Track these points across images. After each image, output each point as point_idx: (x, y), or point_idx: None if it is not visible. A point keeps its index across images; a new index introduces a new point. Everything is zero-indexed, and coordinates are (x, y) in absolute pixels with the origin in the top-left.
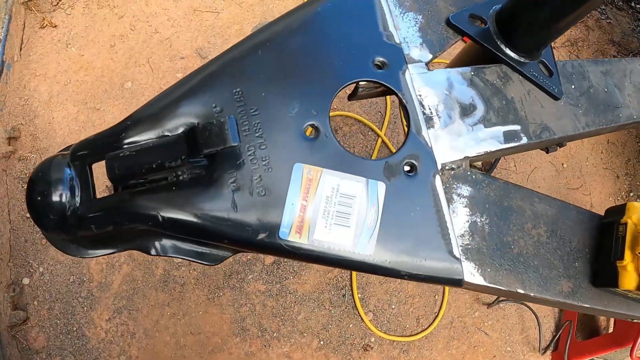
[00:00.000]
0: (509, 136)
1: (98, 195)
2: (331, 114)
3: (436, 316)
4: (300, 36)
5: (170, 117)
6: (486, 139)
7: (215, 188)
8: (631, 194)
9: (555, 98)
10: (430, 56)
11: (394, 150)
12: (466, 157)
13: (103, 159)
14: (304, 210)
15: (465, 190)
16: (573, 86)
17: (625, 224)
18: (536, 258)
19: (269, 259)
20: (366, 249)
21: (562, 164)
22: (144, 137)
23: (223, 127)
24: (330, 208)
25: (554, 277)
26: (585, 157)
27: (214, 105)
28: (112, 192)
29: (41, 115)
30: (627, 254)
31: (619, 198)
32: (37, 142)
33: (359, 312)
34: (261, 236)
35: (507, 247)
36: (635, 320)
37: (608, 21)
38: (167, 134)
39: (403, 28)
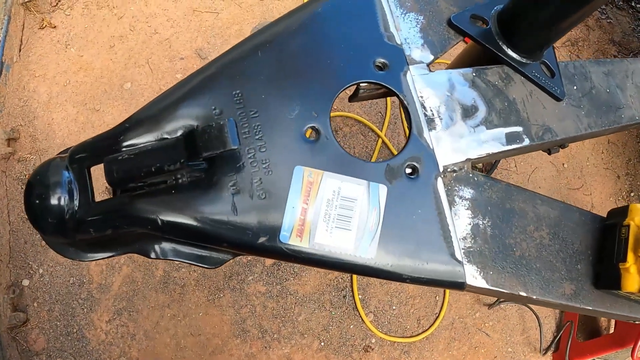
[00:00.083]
0: (511, 138)
1: (96, 198)
2: (331, 114)
3: (437, 317)
4: (300, 37)
5: (169, 119)
6: (488, 141)
7: (215, 191)
8: (632, 194)
9: (558, 99)
10: (432, 57)
11: (394, 151)
12: (468, 159)
13: (102, 161)
14: (304, 213)
15: (467, 192)
16: (575, 87)
17: (628, 226)
18: (538, 260)
19: (270, 260)
20: (368, 253)
21: (563, 164)
22: (143, 139)
23: (223, 130)
24: (332, 211)
25: (556, 279)
26: (586, 157)
27: (213, 107)
28: (111, 194)
29: (40, 116)
30: (630, 256)
31: (619, 198)
32: (37, 144)
33: (359, 313)
34: (262, 240)
35: (510, 250)
36: (637, 322)
37: (608, 21)
38: (166, 136)
39: (404, 29)
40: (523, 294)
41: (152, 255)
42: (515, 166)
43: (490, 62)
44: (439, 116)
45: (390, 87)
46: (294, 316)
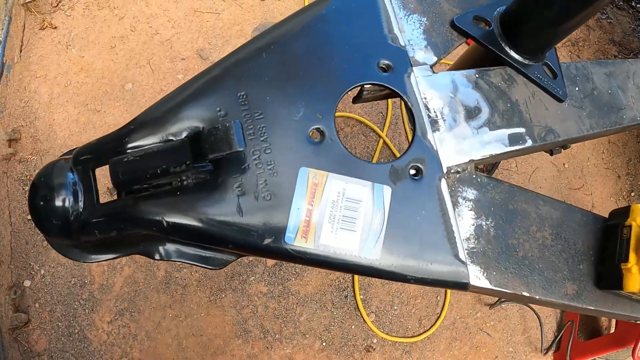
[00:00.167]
0: (513, 139)
1: (100, 199)
2: None
3: (438, 317)
4: (304, 39)
5: (174, 121)
6: (491, 142)
7: (220, 193)
8: (632, 194)
9: (560, 100)
10: (435, 59)
11: (395, 152)
12: (471, 160)
13: (106, 163)
14: (309, 214)
15: (471, 193)
16: (577, 88)
17: (630, 226)
18: (541, 261)
19: (271, 260)
20: (372, 254)
21: (564, 164)
22: (148, 141)
23: (229, 131)
24: (336, 212)
25: (558, 279)
26: (586, 158)
27: (218, 109)
28: (114, 194)
29: (41, 117)
30: (632, 257)
31: (620, 198)
32: (38, 144)
33: (361, 314)
34: (267, 241)
35: (512, 250)
36: (638, 322)
37: (609, 21)
38: (171, 138)
39: (408, 30)
40: (526, 294)
41: (157, 256)
42: (516, 166)
43: (492, 63)
44: (443, 118)
45: (394, 89)
46: (296, 316)
